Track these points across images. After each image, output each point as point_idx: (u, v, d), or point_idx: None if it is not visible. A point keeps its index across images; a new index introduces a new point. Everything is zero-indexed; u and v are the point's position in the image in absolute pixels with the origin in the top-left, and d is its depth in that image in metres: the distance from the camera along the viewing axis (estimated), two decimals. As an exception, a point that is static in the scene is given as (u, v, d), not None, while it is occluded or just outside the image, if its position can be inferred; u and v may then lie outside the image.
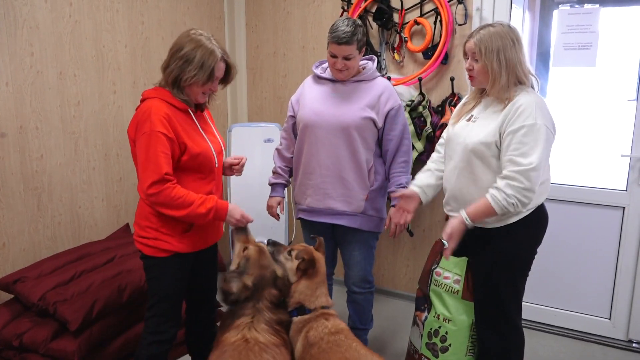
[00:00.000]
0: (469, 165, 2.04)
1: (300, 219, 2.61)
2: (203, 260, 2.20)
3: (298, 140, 2.52)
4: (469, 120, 2.08)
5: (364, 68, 2.48)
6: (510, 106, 1.92)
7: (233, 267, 2.04)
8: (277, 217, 2.64)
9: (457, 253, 2.23)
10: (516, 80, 1.96)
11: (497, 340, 2.10)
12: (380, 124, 2.41)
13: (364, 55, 2.46)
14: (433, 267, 2.26)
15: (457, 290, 2.15)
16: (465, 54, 2.04)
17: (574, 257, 3.03)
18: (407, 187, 2.43)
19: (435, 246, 2.35)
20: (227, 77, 2.08)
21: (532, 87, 2.02)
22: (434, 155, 2.35)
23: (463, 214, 1.96)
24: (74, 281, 2.51)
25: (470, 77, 2.04)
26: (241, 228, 2.08)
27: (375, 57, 2.55)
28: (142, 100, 2.02)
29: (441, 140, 2.33)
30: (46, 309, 2.34)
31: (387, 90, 2.44)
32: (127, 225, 3.12)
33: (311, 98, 2.47)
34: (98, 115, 2.94)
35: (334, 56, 2.34)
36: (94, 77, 2.89)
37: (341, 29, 2.28)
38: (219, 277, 2.34)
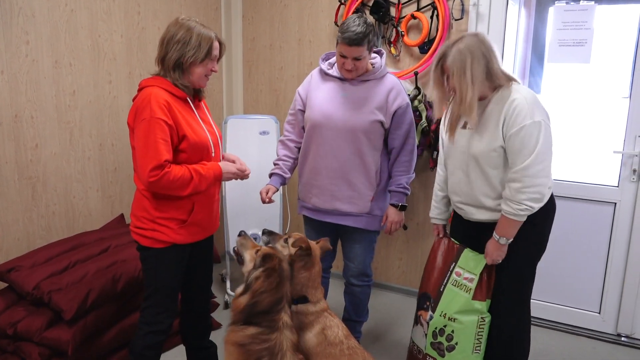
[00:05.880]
0: (475, 170, 2.08)
1: (304, 215, 2.59)
2: (199, 251, 2.20)
3: (305, 138, 2.47)
4: (464, 127, 2.10)
5: (373, 65, 2.40)
6: (508, 106, 1.95)
7: (249, 267, 1.95)
8: (267, 201, 2.47)
9: (476, 248, 2.23)
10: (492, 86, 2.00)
11: (514, 324, 2.16)
12: (387, 124, 2.37)
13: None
14: (452, 267, 2.25)
15: (470, 289, 2.15)
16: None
17: (565, 252, 3.06)
18: (407, 187, 2.44)
19: (449, 247, 2.33)
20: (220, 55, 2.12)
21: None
22: (438, 178, 2.38)
23: (497, 237, 2.06)
24: (69, 271, 2.51)
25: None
26: (244, 237, 2.06)
27: (383, 52, 2.47)
28: (140, 89, 2.01)
29: (440, 159, 2.35)
30: (41, 298, 2.34)
31: (395, 88, 2.38)
32: (122, 215, 3.12)
33: (319, 98, 2.41)
34: (93, 105, 2.93)
35: (343, 56, 2.26)
36: (89, 67, 2.88)
37: (352, 30, 2.17)
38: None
